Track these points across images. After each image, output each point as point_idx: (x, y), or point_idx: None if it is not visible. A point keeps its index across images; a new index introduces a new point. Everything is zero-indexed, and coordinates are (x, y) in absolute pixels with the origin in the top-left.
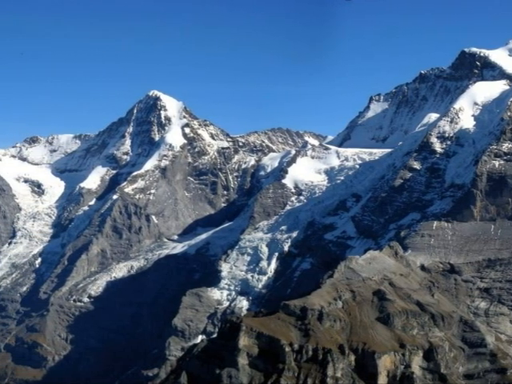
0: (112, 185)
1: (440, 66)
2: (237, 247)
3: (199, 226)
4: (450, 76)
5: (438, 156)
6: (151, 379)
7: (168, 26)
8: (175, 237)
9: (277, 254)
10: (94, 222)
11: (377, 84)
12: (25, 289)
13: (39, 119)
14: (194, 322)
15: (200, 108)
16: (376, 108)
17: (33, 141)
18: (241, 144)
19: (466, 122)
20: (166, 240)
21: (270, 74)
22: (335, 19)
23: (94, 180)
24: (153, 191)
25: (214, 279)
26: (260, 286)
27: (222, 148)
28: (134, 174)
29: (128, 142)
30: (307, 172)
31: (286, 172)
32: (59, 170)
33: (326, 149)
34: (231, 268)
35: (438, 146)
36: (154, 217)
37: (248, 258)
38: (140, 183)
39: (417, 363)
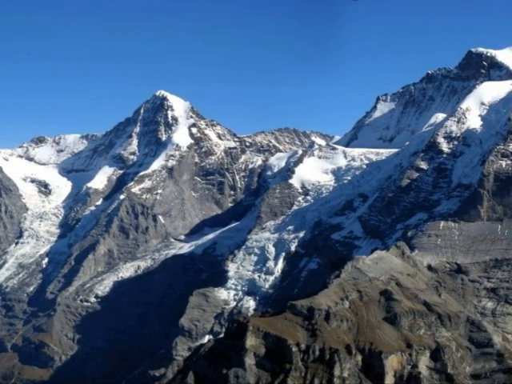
0: (119, 185)
1: (447, 65)
2: (244, 247)
3: (206, 226)
4: (456, 76)
5: (444, 156)
6: (158, 379)
7: (175, 26)
8: (182, 237)
9: (284, 253)
10: (100, 222)
11: (384, 84)
12: (32, 289)
13: (46, 119)
14: (201, 322)
15: (207, 108)
16: (383, 108)
17: (40, 141)
18: (248, 144)
19: (473, 122)
20: (172, 240)
21: (277, 74)
22: (342, 19)
23: (100, 180)
24: (160, 191)
25: (220, 279)
26: (267, 286)
27: (229, 148)
28: (141, 174)
29: (135, 142)
30: (314, 172)
31: (293, 172)
32: (66, 170)
33: (333, 149)
34: (238, 268)
35: (444, 146)
36: (160, 217)
37: (255, 258)
38: (147, 183)
39: (424, 363)
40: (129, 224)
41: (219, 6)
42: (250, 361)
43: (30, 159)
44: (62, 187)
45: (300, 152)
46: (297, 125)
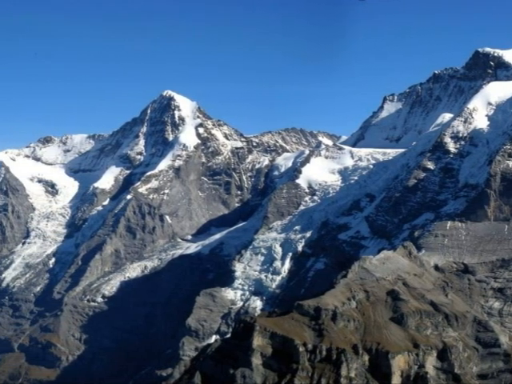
0: (126, 185)
1: (454, 65)
2: (251, 247)
3: (213, 226)
4: (463, 76)
5: (451, 156)
6: (165, 379)
7: (182, 26)
8: (189, 237)
9: (291, 254)
10: (107, 222)
11: (391, 84)
12: (38, 289)
13: (53, 119)
14: (208, 322)
15: (214, 108)
16: (390, 108)
17: (47, 141)
18: (255, 144)
19: (480, 122)
20: (179, 240)
21: (284, 73)
22: (349, 19)
23: (107, 180)
24: (167, 191)
25: (227, 279)
26: (274, 286)
27: (236, 148)
28: (148, 174)
29: (142, 142)
30: (321, 172)
31: (300, 172)
32: (73, 170)
33: (340, 149)
34: (245, 268)
35: (451, 146)
36: (167, 217)
37: (262, 258)
38: (154, 183)
39: (431, 363)
40: (136, 224)
41: (226, 6)
42: (256, 361)
43: (37, 159)
44: (69, 187)
45: (307, 152)
46: (304, 125)
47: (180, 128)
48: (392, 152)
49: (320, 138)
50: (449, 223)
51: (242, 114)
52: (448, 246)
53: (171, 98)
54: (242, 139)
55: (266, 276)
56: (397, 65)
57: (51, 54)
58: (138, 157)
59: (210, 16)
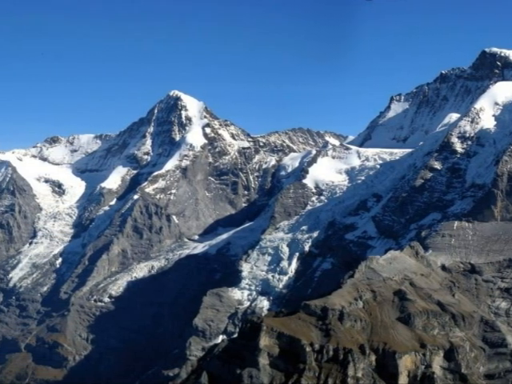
0: (133, 185)
1: (461, 65)
2: (257, 247)
3: (220, 226)
4: (470, 76)
5: (458, 156)
6: (172, 379)
7: (188, 26)
8: (196, 237)
9: (297, 254)
10: (114, 222)
11: (397, 84)
12: (45, 289)
13: (60, 119)
14: (215, 322)
15: (221, 108)
16: (397, 108)
17: (53, 141)
18: (261, 144)
19: (487, 121)
20: (186, 240)
21: (291, 73)
22: (355, 19)
23: (114, 180)
24: (173, 191)
25: (234, 279)
26: (281, 286)
27: (243, 148)
28: (155, 174)
29: (149, 142)
30: (328, 172)
31: (307, 172)
32: (80, 170)
33: (347, 149)
34: (252, 268)
35: (458, 146)
36: (174, 217)
37: (269, 258)
38: (161, 183)
39: (437, 363)
40: (143, 224)
41: (233, 6)
42: (263, 361)
43: (44, 159)
44: (76, 187)
45: (314, 152)
46: (310, 125)
47: (187, 128)
48: (399, 152)
49: (327, 138)
50: (456, 223)
51: (249, 114)
52: (455, 245)
53: (178, 98)
54: (249, 139)
55: (272, 276)
56: (404, 65)
57: (58, 54)
58: (145, 157)
59: (217, 16)
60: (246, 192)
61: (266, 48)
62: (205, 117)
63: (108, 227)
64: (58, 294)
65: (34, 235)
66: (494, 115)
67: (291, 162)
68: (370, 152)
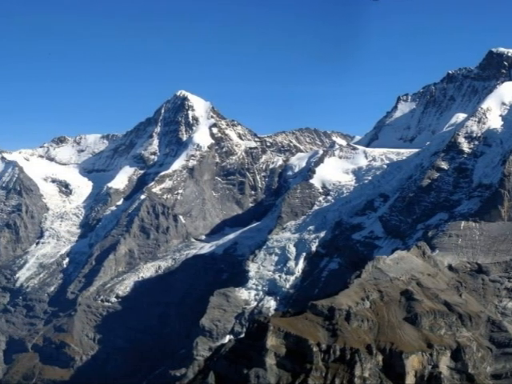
0: (139, 185)
1: (467, 65)
2: (264, 247)
3: (227, 226)
4: (477, 76)
5: (465, 156)
6: (179, 379)
7: (195, 25)
8: (203, 237)
9: (304, 253)
10: (121, 222)
11: (404, 84)
12: (52, 289)
13: (67, 119)
14: (222, 322)
15: (228, 108)
16: (404, 108)
17: (60, 141)
18: (268, 144)
19: (494, 121)
20: (193, 240)
21: (298, 73)
22: (362, 19)
23: (121, 180)
24: (180, 191)
25: (241, 279)
26: (287, 286)
27: (250, 148)
28: (162, 174)
29: (156, 142)
30: (335, 172)
31: (314, 172)
32: (87, 170)
33: (354, 149)
34: (259, 268)
35: (465, 146)
36: (181, 217)
37: (276, 258)
38: (168, 183)
39: (444, 363)
40: (149, 224)
41: (240, 6)
42: (270, 361)
43: (51, 159)
44: (83, 187)
45: (321, 152)
46: (317, 125)
47: (194, 128)
48: (406, 152)
49: (334, 138)
50: (463, 223)
51: (256, 114)
52: (462, 246)
53: (185, 98)
54: (256, 139)
55: (279, 276)
56: (411, 65)
57: (65, 53)
58: (152, 157)
59: (223, 16)
60: (252, 192)
61: (273, 48)
62: (212, 117)
63: (115, 227)
64: (65, 294)
65: (41, 235)
66: (500, 115)
67: (298, 162)
68: (376, 152)
